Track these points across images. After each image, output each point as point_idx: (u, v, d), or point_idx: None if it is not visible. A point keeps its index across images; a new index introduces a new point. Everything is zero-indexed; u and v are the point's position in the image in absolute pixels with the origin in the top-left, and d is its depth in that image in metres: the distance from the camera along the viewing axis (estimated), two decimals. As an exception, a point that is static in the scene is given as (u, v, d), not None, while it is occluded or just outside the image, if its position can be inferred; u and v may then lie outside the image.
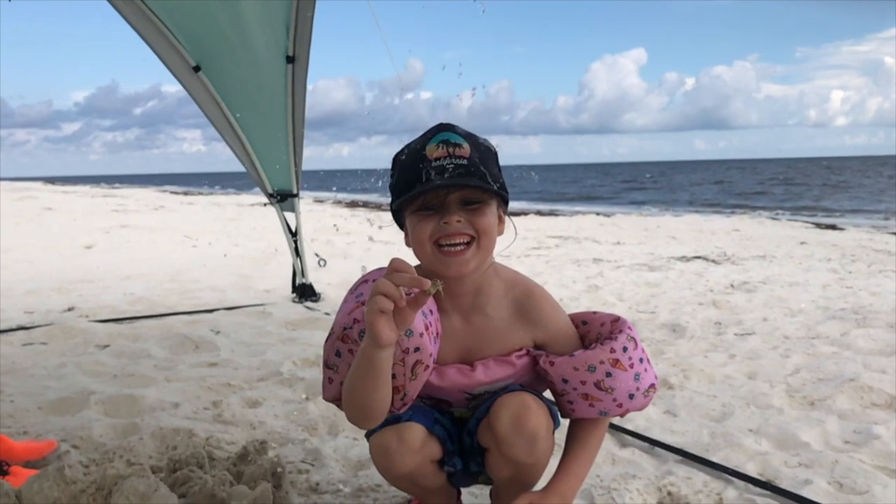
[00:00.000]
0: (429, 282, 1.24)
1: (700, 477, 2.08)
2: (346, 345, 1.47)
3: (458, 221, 1.44)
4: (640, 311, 4.59)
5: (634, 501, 1.93)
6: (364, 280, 1.56)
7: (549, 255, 7.88)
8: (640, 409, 1.62)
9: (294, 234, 4.89)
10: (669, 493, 1.98)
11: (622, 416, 1.61)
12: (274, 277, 5.99)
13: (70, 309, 4.72)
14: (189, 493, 1.80)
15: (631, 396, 1.56)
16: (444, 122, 1.50)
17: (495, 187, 1.46)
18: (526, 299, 1.60)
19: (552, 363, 1.56)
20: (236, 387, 2.96)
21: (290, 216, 4.88)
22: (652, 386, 1.61)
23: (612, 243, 9.20)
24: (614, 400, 1.56)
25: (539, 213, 15.75)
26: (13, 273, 6.31)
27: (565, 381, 1.56)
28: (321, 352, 1.54)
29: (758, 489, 2.00)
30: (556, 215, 15.29)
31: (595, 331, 1.63)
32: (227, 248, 8.66)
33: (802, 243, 8.84)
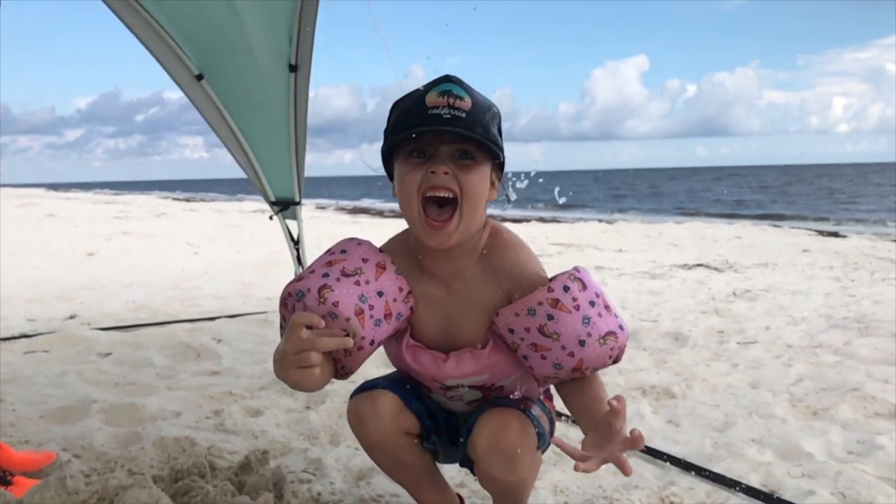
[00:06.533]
0: (351, 341, 1.36)
1: (703, 487, 2.07)
2: (288, 312, 1.47)
3: (446, 173, 1.38)
4: (643, 320, 4.59)
5: (637, 512, 1.93)
6: (331, 252, 1.52)
7: (551, 262, 7.87)
8: (602, 362, 1.44)
9: (296, 242, 4.89)
10: (672, 504, 1.98)
11: (581, 370, 1.43)
12: (276, 285, 5.99)
13: (72, 317, 4.73)
14: (191, 503, 1.80)
15: (581, 343, 1.40)
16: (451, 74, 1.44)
17: (488, 142, 1.38)
18: (490, 244, 1.52)
19: (497, 315, 1.47)
20: (238, 395, 2.95)
21: (292, 224, 4.89)
22: (611, 333, 1.42)
23: (615, 251, 9.20)
24: (563, 347, 1.40)
25: (542, 219, 15.75)
26: (15, 280, 6.31)
27: (512, 331, 1.45)
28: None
29: (760, 501, 1.99)
30: (559, 222, 15.29)
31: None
32: (230, 255, 8.67)
33: (805, 251, 8.84)
